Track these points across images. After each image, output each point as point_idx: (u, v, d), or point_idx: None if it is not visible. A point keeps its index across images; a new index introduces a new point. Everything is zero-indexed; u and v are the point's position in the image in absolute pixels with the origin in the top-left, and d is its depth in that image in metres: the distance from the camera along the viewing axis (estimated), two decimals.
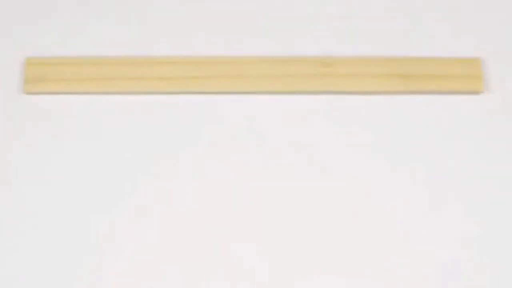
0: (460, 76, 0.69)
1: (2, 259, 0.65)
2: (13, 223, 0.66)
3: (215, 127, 0.68)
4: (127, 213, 0.66)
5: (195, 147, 0.68)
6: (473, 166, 0.67)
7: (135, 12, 0.72)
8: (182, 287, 0.64)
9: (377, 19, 0.71)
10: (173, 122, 0.69)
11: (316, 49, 0.70)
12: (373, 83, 0.69)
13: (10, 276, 0.64)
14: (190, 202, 0.66)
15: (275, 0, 0.72)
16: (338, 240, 0.65)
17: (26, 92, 0.69)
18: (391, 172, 0.67)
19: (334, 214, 0.66)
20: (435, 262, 0.65)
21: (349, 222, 0.66)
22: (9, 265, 0.65)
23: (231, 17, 0.72)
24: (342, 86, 0.69)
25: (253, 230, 0.66)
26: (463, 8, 0.72)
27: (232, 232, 0.65)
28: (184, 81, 0.69)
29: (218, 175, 0.67)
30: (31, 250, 0.65)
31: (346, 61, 0.70)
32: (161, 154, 0.68)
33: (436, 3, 0.72)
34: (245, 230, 0.66)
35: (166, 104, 0.69)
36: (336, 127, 0.68)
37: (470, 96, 0.69)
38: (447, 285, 0.64)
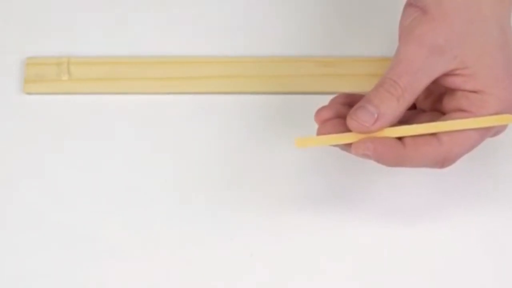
0: None
1: (3, 258, 0.65)
2: (14, 223, 0.66)
3: (215, 127, 0.68)
4: (127, 212, 0.66)
5: (195, 147, 0.68)
6: None
7: (135, 12, 0.72)
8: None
9: (377, 20, 0.71)
10: (173, 122, 0.69)
11: (316, 49, 0.70)
12: (373, 83, 0.69)
13: (10, 275, 0.65)
14: (190, 199, 0.66)
15: (275, 0, 0.72)
16: None
17: (26, 92, 0.69)
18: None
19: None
20: None
21: None
22: (9, 265, 0.65)
23: (231, 17, 0.72)
24: (342, 86, 0.69)
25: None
26: None
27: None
28: (183, 81, 0.70)
29: (216, 174, 0.67)
30: (32, 250, 0.65)
31: (346, 61, 0.70)
32: (161, 153, 0.68)
33: None
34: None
35: (166, 104, 0.69)
36: None
37: None
38: None
